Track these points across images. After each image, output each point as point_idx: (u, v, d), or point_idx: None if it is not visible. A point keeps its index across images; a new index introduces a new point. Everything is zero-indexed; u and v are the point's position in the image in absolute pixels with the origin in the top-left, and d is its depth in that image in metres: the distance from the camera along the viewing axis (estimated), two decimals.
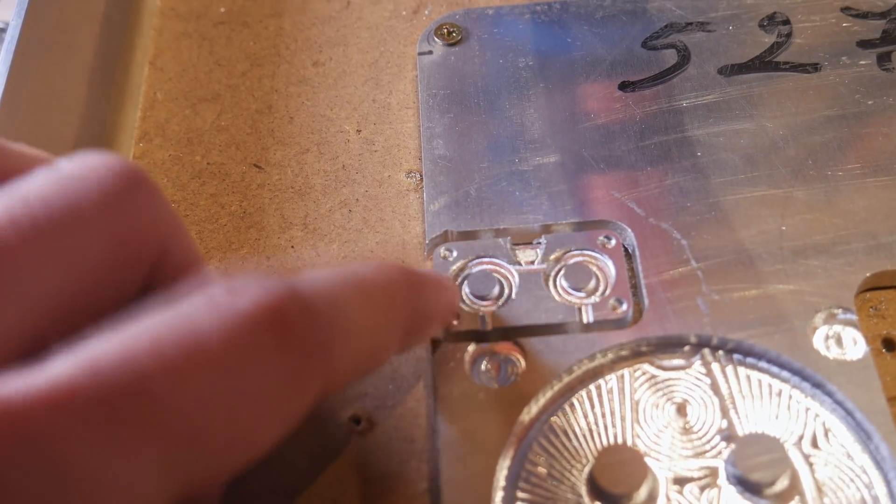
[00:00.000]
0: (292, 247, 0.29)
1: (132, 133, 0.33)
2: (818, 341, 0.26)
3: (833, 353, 0.25)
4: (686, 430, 0.25)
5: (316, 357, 0.19)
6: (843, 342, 0.26)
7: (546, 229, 0.28)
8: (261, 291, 0.18)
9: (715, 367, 0.26)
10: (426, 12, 0.35)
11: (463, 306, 0.27)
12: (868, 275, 0.27)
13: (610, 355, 0.26)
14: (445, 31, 0.33)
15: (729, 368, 0.25)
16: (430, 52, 0.33)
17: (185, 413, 0.16)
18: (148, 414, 0.16)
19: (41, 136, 0.30)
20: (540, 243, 0.28)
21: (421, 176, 0.30)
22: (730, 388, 0.25)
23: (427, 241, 0.28)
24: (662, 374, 0.26)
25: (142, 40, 0.36)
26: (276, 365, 0.18)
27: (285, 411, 0.18)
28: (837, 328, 0.26)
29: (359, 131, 0.32)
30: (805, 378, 0.25)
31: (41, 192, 0.18)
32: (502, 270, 0.27)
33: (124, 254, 0.19)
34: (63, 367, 0.16)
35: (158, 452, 0.16)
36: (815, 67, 0.31)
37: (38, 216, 0.18)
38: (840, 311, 0.26)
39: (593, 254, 0.28)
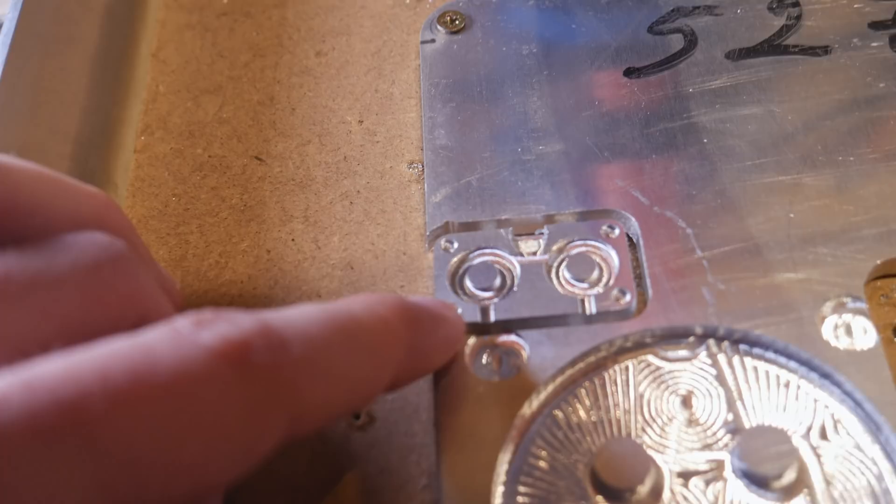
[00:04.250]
0: (293, 239, 0.29)
1: (135, 126, 0.33)
2: (827, 331, 0.25)
3: (842, 342, 0.25)
4: (691, 423, 0.24)
5: (282, 394, 0.18)
6: (852, 331, 0.25)
7: (549, 219, 0.28)
8: (228, 325, 0.18)
9: (721, 357, 0.25)
10: (429, 0, 0.34)
11: (464, 298, 0.26)
12: (879, 262, 0.26)
13: (614, 347, 0.25)
14: (448, 18, 0.33)
15: (735, 359, 0.25)
16: (433, 41, 0.32)
17: (125, 439, 0.16)
18: (82, 437, 0.15)
19: (41, 131, 0.29)
20: (542, 233, 0.28)
21: (423, 167, 0.30)
22: (736, 379, 0.25)
23: (428, 233, 0.28)
24: (667, 366, 0.25)
25: (146, 32, 0.36)
26: (235, 399, 0.17)
27: (242, 446, 0.18)
28: (847, 317, 0.25)
29: (361, 122, 0.31)
30: (813, 368, 0.25)
31: (21, 251, 0.19)
32: (504, 261, 0.27)
33: (95, 318, 0.19)
34: None
35: (91, 477, 0.16)
36: (826, 50, 0.31)
37: (11, 270, 0.19)
38: (850, 299, 0.25)
39: (596, 244, 0.27)
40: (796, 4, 0.32)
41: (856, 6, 0.31)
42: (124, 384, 0.16)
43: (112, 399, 0.16)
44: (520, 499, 0.23)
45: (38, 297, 0.18)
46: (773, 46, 0.31)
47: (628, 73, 0.31)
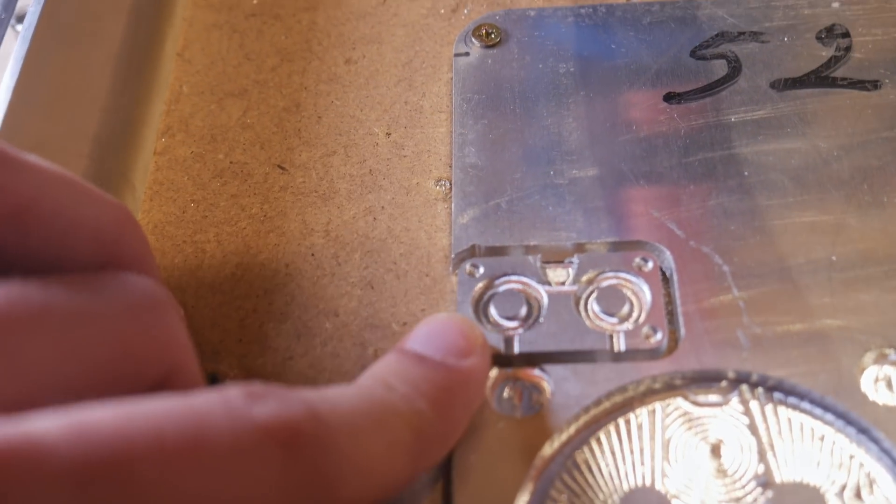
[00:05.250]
0: (313, 255, 0.28)
1: (156, 127, 0.32)
2: (866, 383, 0.24)
3: (882, 396, 0.24)
4: (720, 473, 0.23)
5: (320, 485, 0.18)
6: (893, 385, 0.24)
7: (579, 248, 0.27)
8: (280, 405, 0.18)
9: (753, 405, 0.24)
10: (465, 11, 0.33)
11: (488, 327, 0.25)
12: None
13: (641, 387, 0.24)
14: (484, 31, 0.32)
15: (768, 408, 0.24)
16: (467, 54, 0.31)
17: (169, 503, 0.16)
18: (127, 496, 0.15)
19: (60, 128, 0.29)
20: (572, 262, 0.26)
21: (450, 185, 0.29)
22: (768, 429, 0.23)
23: (453, 255, 0.27)
24: (697, 411, 0.24)
25: (172, 30, 0.35)
26: (278, 479, 0.17)
27: None
28: (888, 370, 0.24)
29: (388, 134, 0.30)
30: (850, 422, 0.23)
31: (64, 284, 0.19)
32: (531, 290, 0.26)
33: (129, 362, 0.19)
34: (47, 423, 0.15)
35: None
36: (875, 85, 0.29)
37: (53, 302, 0.18)
38: (892, 351, 0.24)
39: (628, 276, 0.26)
40: (846, 35, 0.30)
41: None
42: (177, 448, 0.16)
43: (164, 461, 0.16)
44: None
45: (75, 333, 0.18)
46: (820, 78, 0.30)
47: (668, 98, 0.30)
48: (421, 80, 0.32)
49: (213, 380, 0.26)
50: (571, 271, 0.26)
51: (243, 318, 0.27)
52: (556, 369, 0.25)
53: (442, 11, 0.33)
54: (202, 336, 0.26)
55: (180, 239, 0.29)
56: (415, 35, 0.33)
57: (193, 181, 0.30)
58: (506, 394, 0.24)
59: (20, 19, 0.31)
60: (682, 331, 0.25)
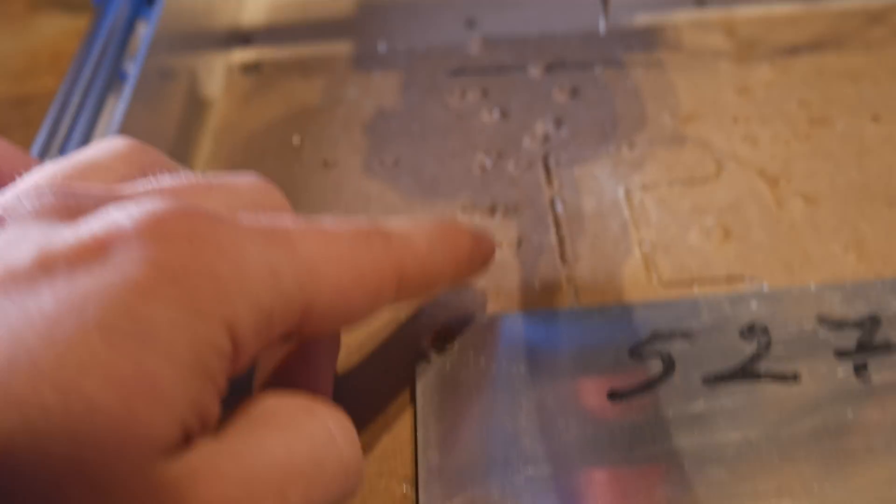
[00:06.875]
0: None
1: None
2: None
3: None
4: None
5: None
6: None
7: None
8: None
9: None
10: (424, 316, 0.37)
11: None
12: None
13: None
14: (442, 337, 0.35)
15: None
16: (427, 360, 0.34)
17: None
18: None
19: None
20: None
21: (416, 485, 0.31)
22: None
23: None
24: None
25: None
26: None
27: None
28: None
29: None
30: None
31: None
32: None
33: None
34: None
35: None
36: (795, 377, 0.33)
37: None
38: None
39: None
40: (766, 332, 0.34)
41: (821, 336, 0.34)
42: None
43: None
44: None
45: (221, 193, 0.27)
46: (745, 372, 0.33)
47: (612, 396, 0.33)
48: (386, 387, 0.35)
49: None
50: None
51: None
52: None
53: (403, 318, 0.37)
54: None
55: None
56: (378, 340, 0.36)
57: None
58: None
59: None
60: None
